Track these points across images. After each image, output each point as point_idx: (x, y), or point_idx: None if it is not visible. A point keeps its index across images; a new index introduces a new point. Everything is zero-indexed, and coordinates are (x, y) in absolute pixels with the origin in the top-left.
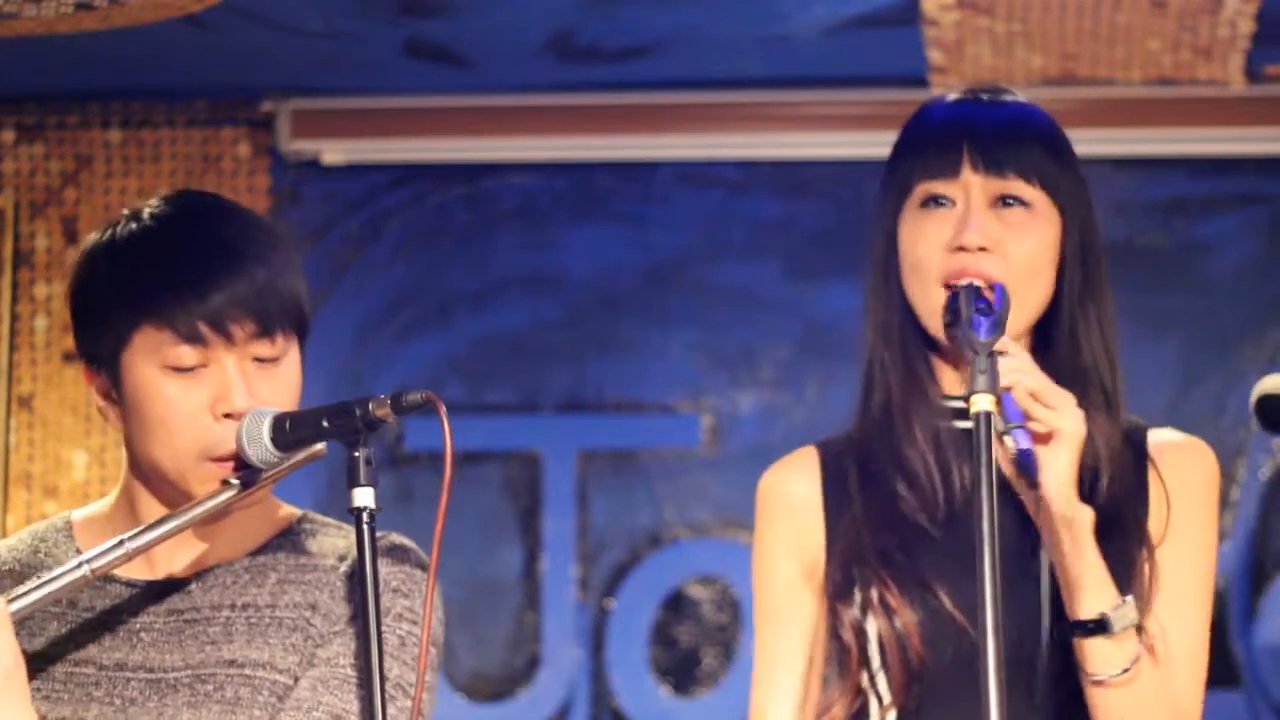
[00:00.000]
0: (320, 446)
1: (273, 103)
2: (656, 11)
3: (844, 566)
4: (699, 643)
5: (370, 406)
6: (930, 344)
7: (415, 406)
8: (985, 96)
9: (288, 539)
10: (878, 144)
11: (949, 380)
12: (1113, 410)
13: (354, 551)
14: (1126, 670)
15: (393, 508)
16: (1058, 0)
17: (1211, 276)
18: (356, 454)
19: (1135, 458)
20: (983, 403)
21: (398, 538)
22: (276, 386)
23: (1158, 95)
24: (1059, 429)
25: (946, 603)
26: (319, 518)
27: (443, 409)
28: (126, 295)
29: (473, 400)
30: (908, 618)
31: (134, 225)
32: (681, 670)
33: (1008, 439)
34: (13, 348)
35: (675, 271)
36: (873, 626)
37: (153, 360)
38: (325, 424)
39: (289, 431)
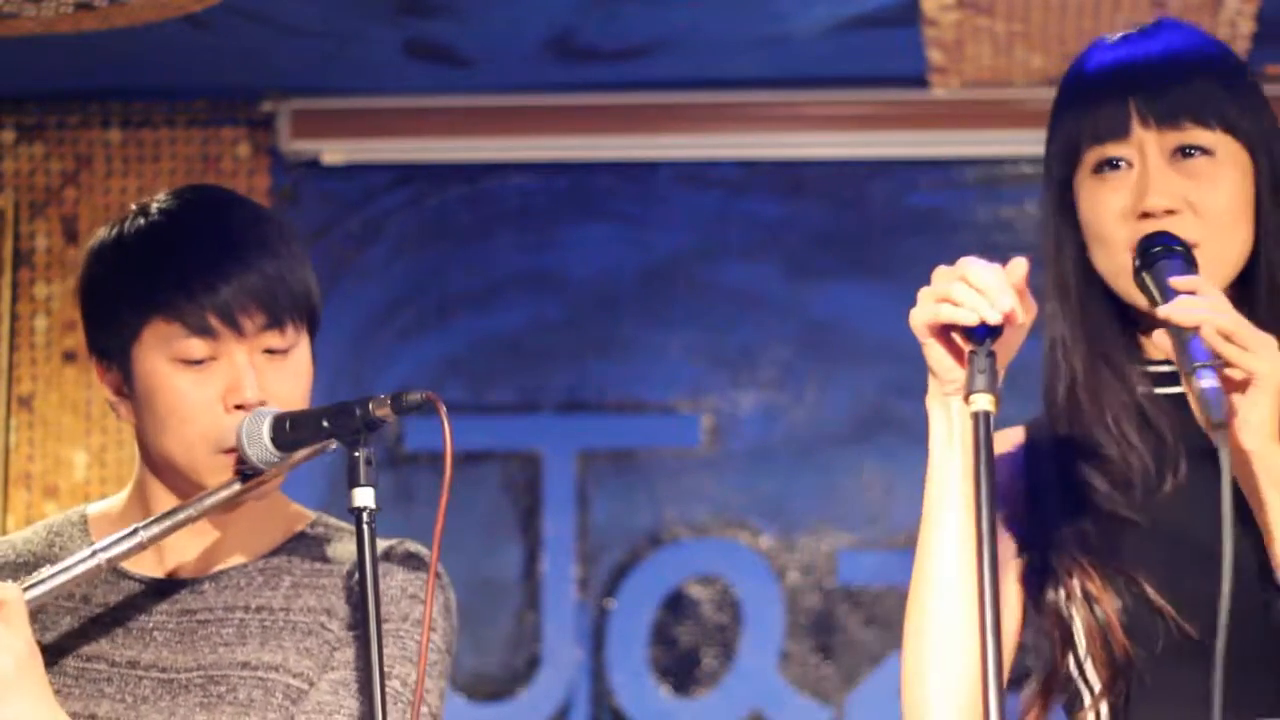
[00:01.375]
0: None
1: (273, 103)
2: (656, 11)
3: (1043, 554)
4: (699, 643)
5: (370, 406)
6: (1121, 313)
7: (415, 406)
8: (1138, 32)
9: (301, 542)
10: (878, 144)
11: (1145, 347)
12: None
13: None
14: None
15: (393, 508)
16: (1058, 0)
17: None
18: (357, 454)
19: None
20: (982, 402)
21: (413, 545)
22: (287, 378)
23: None
24: (1256, 372)
25: (1150, 591)
26: (332, 520)
27: (443, 409)
28: (136, 290)
29: (473, 400)
30: (1110, 606)
31: (142, 220)
32: (681, 670)
33: (1193, 377)
34: (13, 348)
35: (675, 271)
36: (1078, 615)
37: (163, 353)
38: (325, 424)
39: (289, 431)
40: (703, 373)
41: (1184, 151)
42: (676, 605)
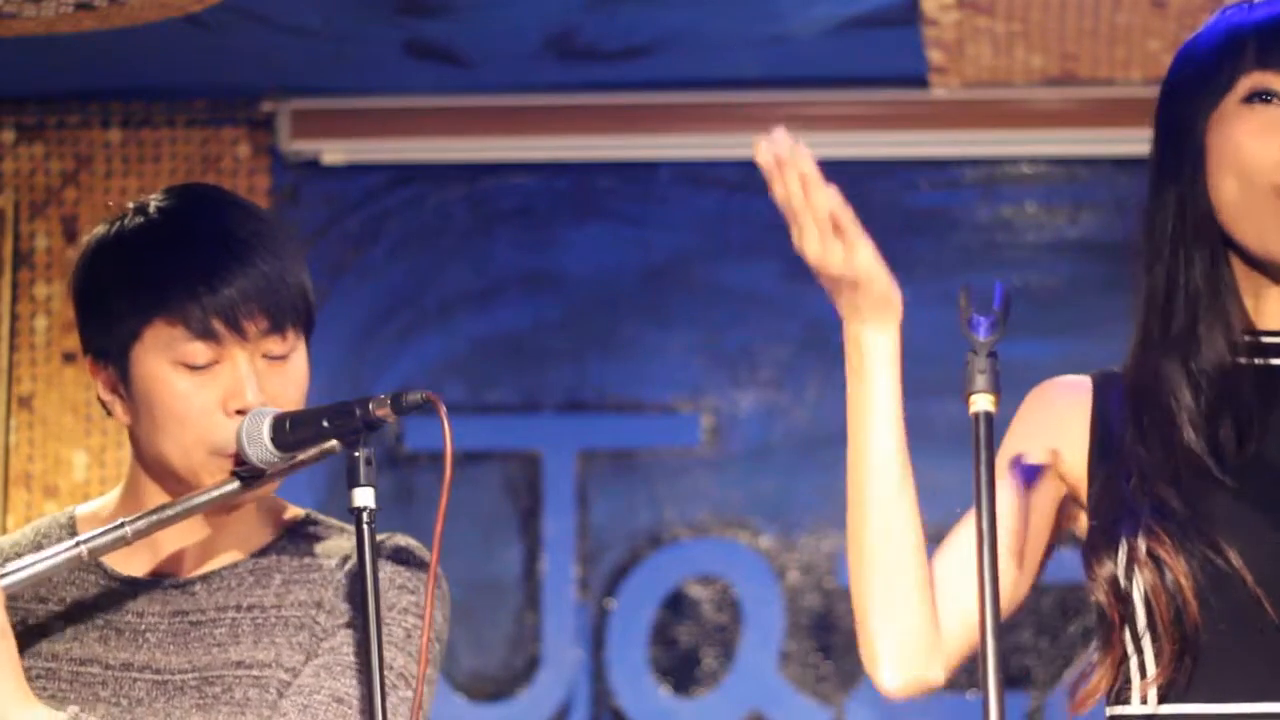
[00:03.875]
0: (334, 442)
1: (273, 103)
2: (656, 11)
3: (1108, 514)
4: (699, 643)
5: (370, 406)
6: (1237, 261)
7: (415, 406)
8: None
9: (292, 540)
10: (878, 144)
11: (1253, 310)
12: None
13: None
14: None
15: (393, 508)
16: (1058, 0)
17: None
18: (356, 454)
19: None
20: (982, 403)
21: (403, 539)
22: (287, 383)
23: (1158, 95)
24: None
25: (1234, 559)
26: (323, 518)
27: (443, 409)
28: (137, 289)
29: (473, 400)
30: (1182, 572)
31: (141, 219)
32: (681, 670)
33: None
34: (13, 348)
35: (675, 271)
36: (1138, 585)
37: (164, 356)
38: (325, 424)
39: (289, 431)
40: (703, 373)
41: None
42: (676, 605)
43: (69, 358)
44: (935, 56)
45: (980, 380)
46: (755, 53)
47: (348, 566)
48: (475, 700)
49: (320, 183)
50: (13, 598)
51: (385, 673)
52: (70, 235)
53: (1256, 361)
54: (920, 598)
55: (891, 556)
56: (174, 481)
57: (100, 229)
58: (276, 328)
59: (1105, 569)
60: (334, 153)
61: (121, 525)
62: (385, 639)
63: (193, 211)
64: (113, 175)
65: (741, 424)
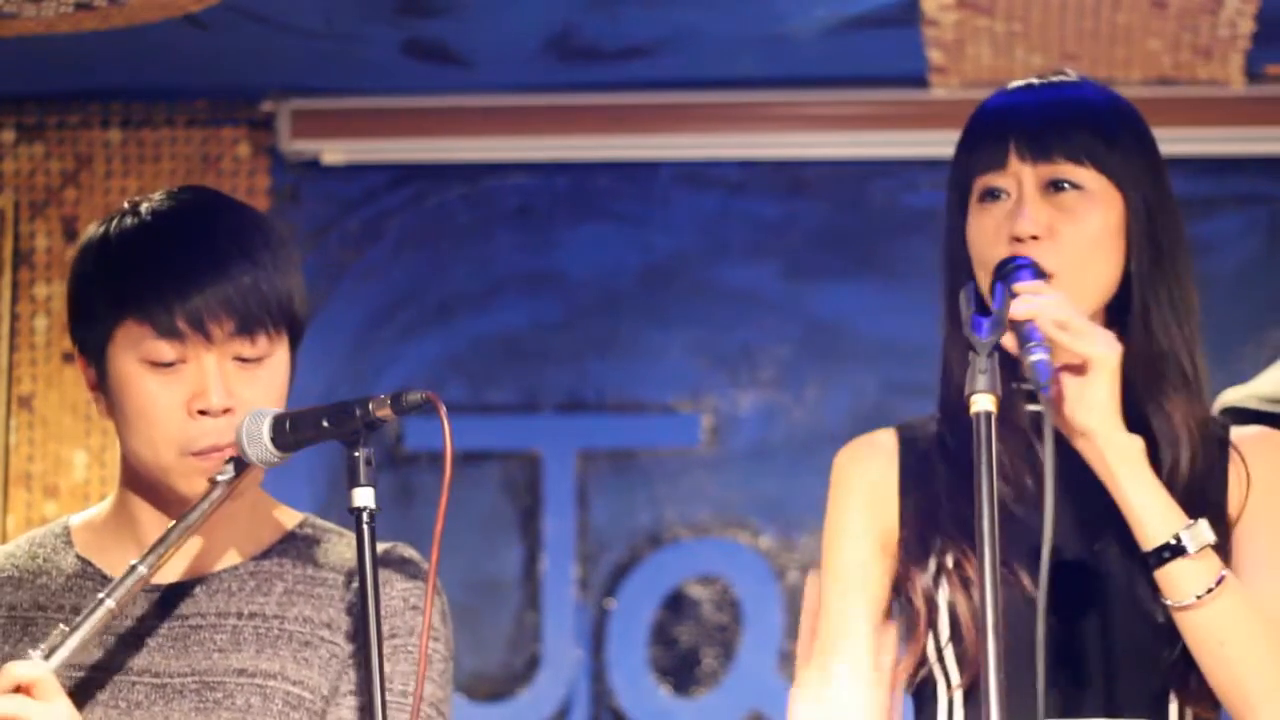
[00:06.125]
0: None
1: (273, 103)
2: (656, 11)
3: (921, 535)
4: (699, 643)
5: (370, 406)
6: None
7: (415, 406)
8: (1039, 82)
9: (291, 545)
10: (878, 144)
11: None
12: (1194, 393)
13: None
14: (1211, 590)
15: (393, 508)
16: (1058, 0)
17: (1211, 276)
18: (356, 454)
19: (1218, 445)
20: (983, 403)
21: (408, 551)
22: (258, 387)
23: (1158, 95)
24: (1090, 355)
25: (1025, 582)
26: (320, 522)
27: (443, 409)
28: (112, 289)
29: (473, 400)
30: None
31: (130, 220)
32: (681, 670)
33: (1026, 355)
34: (13, 348)
35: (675, 271)
36: (944, 595)
37: (133, 354)
38: (325, 424)
39: (289, 431)
40: (703, 373)
41: (1056, 185)
42: (676, 605)
43: (69, 358)
44: (935, 56)
45: (981, 380)
46: (755, 53)
47: (354, 583)
48: (475, 700)
49: (320, 183)
50: (12, 606)
51: (422, 706)
52: (70, 235)
53: (1030, 408)
54: None
55: None
56: (152, 481)
57: (93, 227)
58: (245, 330)
59: (923, 578)
60: (334, 153)
61: (134, 568)
62: (411, 669)
63: (180, 215)
64: (113, 175)
65: (741, 424)
